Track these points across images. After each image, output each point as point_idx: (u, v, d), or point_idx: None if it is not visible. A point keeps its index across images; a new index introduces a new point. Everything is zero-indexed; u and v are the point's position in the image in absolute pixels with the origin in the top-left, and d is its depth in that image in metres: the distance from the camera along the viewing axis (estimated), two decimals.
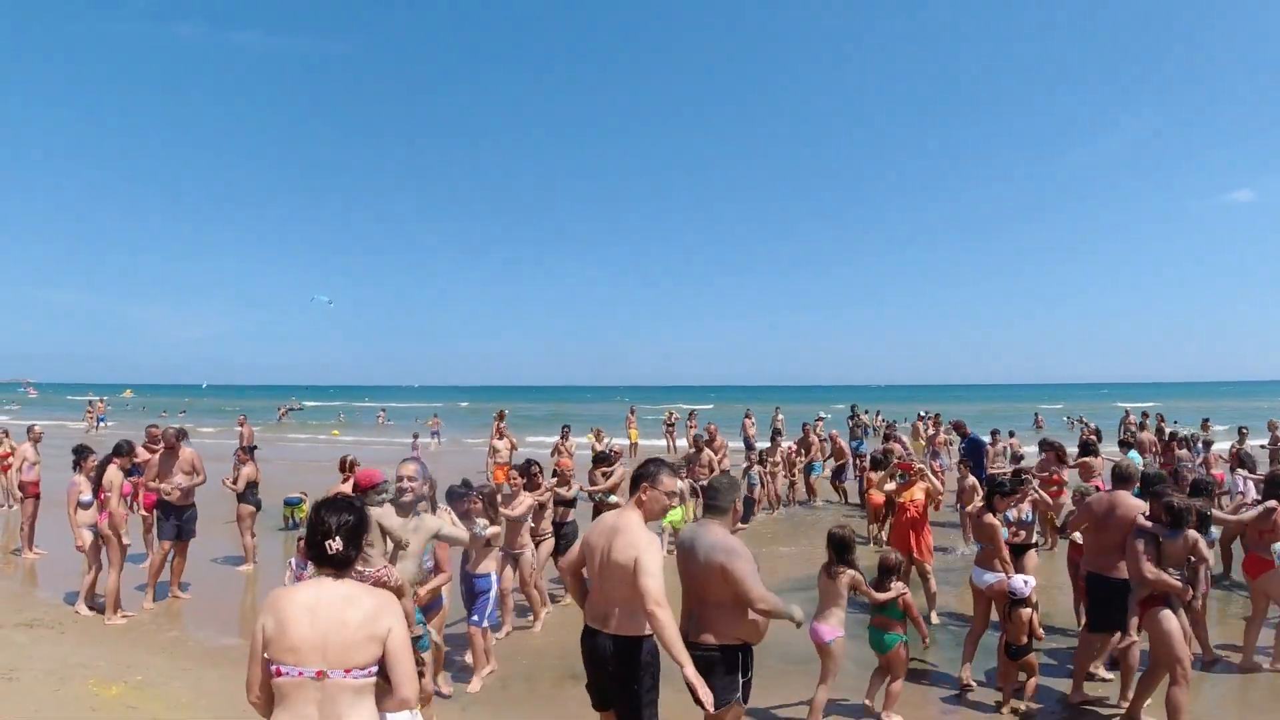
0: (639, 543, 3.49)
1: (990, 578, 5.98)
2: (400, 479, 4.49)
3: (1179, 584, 4.94)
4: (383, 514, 4.33)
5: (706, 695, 3.23)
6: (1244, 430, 14.80)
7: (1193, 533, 5.13)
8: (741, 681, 3.72)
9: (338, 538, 2.51)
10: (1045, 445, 10.54)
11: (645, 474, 3.74)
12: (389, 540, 4.32)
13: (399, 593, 3.89)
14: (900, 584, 5.49)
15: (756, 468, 13.81)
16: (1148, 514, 5.26)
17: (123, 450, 8.16)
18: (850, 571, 5.28)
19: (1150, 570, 4.92)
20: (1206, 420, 18.59)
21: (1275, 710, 5.65)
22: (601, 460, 9.87)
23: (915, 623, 5.58)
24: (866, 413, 23.91)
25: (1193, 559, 5.17)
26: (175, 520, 8.49)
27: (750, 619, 3.67)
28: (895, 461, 9.52)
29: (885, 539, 10.15)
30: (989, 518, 6.11)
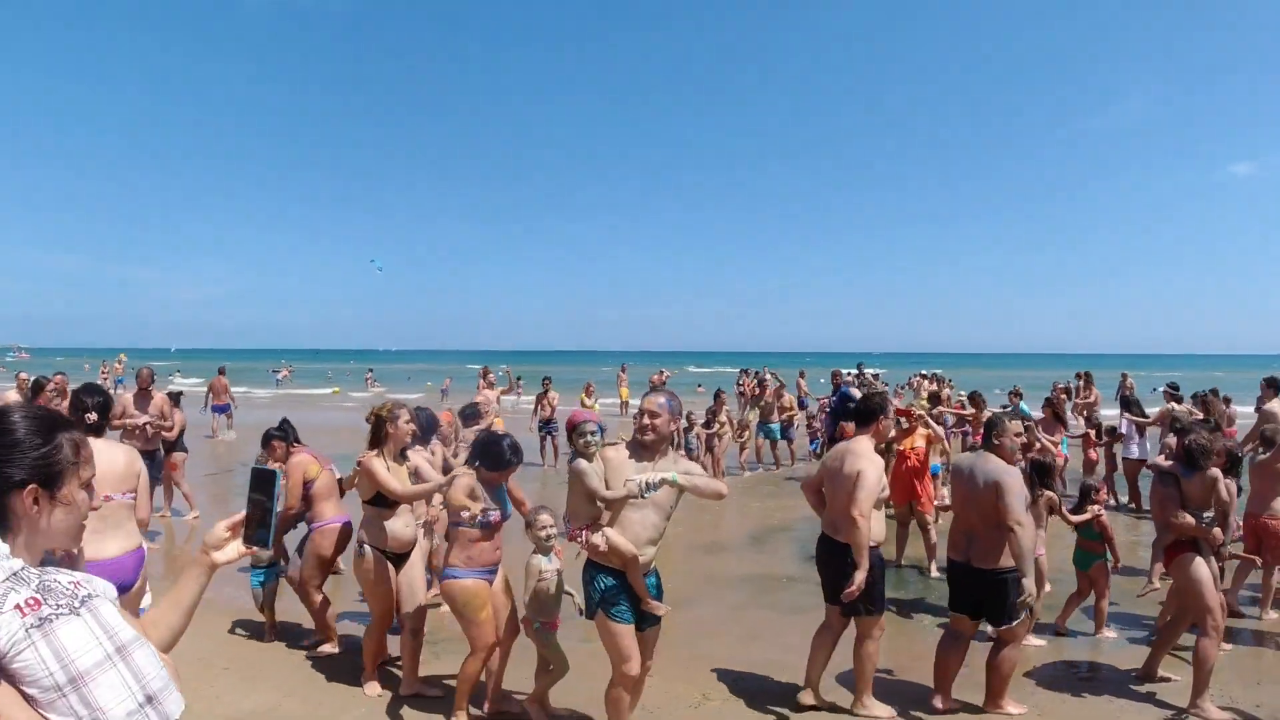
0: (861, 462, 4.19)
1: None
2: (641, 415, 3.69)
3: (1203, 526, 4.57)
4: (612, 456, 3.66)
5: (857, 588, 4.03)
6: (1126, 375, 15.11)
7: (1214, 471, 4.77)
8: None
9: (93, 412, 3.80)
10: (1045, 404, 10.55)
11: (882, 407, 4.49)
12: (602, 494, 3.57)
13: (621, 556, 3.53)
14: (1097, 506, 5.61)
15: (698, 429, 12.40)
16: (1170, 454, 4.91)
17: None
18: (1048, 493, 5.48)
19: (1174, 515, 4.57)
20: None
21: None
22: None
23: (1109, 544, 5.63)
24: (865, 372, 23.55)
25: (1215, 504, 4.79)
26: None
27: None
28: (894, 408, 9.20)
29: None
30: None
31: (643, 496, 3.45)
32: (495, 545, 4.09)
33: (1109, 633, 5.70)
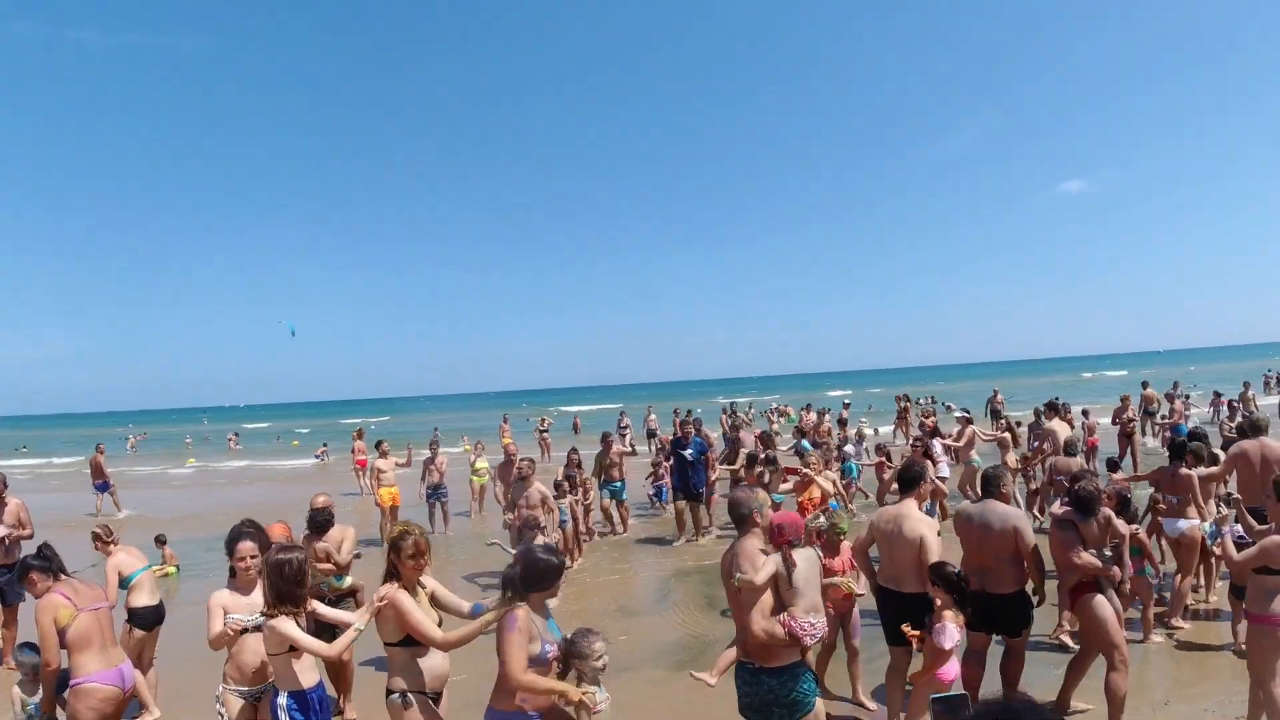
0: (920, 527, 4.85)
1: (1183, 524, 6.63)
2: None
3: (1102, 565, 4.97)
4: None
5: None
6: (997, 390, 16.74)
7: (1105, 511, 5.23)
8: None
9: None
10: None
11: (922, 474, 5.34)
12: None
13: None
14: (1125, 525, 6.08)
15: (569, 499, 10.30)
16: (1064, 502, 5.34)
17: None
18: (1105, 509, 5.69)
19: (1077, 555, 4.94)
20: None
21: (1201, 682, 5.74)
22: None
23: (1145, 552, 6.39)
24: (749, 409, 24.26)
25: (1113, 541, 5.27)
26: None
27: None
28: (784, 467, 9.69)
29: None
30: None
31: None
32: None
33: (1156, 638, 6.30)
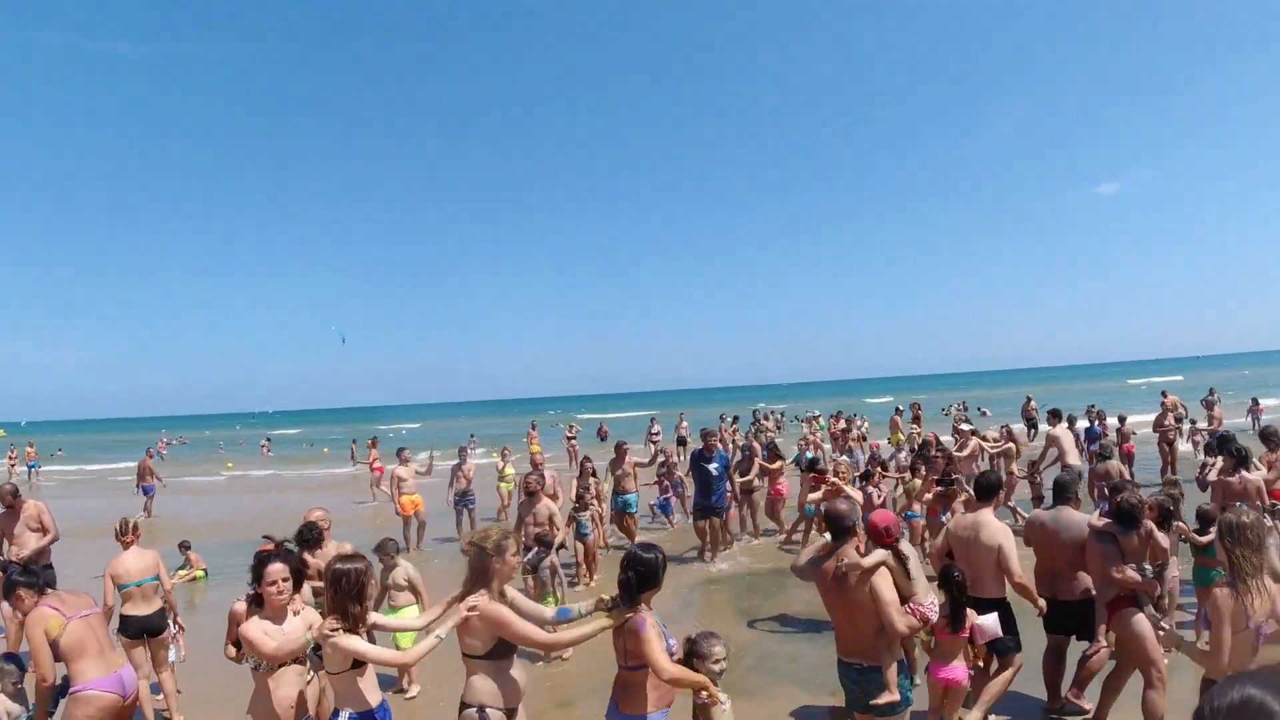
0: (999, 536, 5.00)
1: None
2: None
3: (1146, 580, 4.74)
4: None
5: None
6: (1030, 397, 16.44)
7: (1148, 524, 4.98)
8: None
9: None
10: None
11: (1000, 482, 5.63)
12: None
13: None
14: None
15: (590, 510, 10.07)
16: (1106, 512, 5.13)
17: None
18: (1178, 522, 5.87)
19: (1118, 570, 4.72)
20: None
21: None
22: None
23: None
24: (769, 416, 24.02)
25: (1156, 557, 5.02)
26: None
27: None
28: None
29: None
30: None
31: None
32: None
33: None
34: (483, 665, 3.51)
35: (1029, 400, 25.21)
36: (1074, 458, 11.56)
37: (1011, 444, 12.44)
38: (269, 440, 43.01)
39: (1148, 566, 4.90)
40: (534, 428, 25.42)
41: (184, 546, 11.71)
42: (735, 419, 23.60)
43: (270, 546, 4.00)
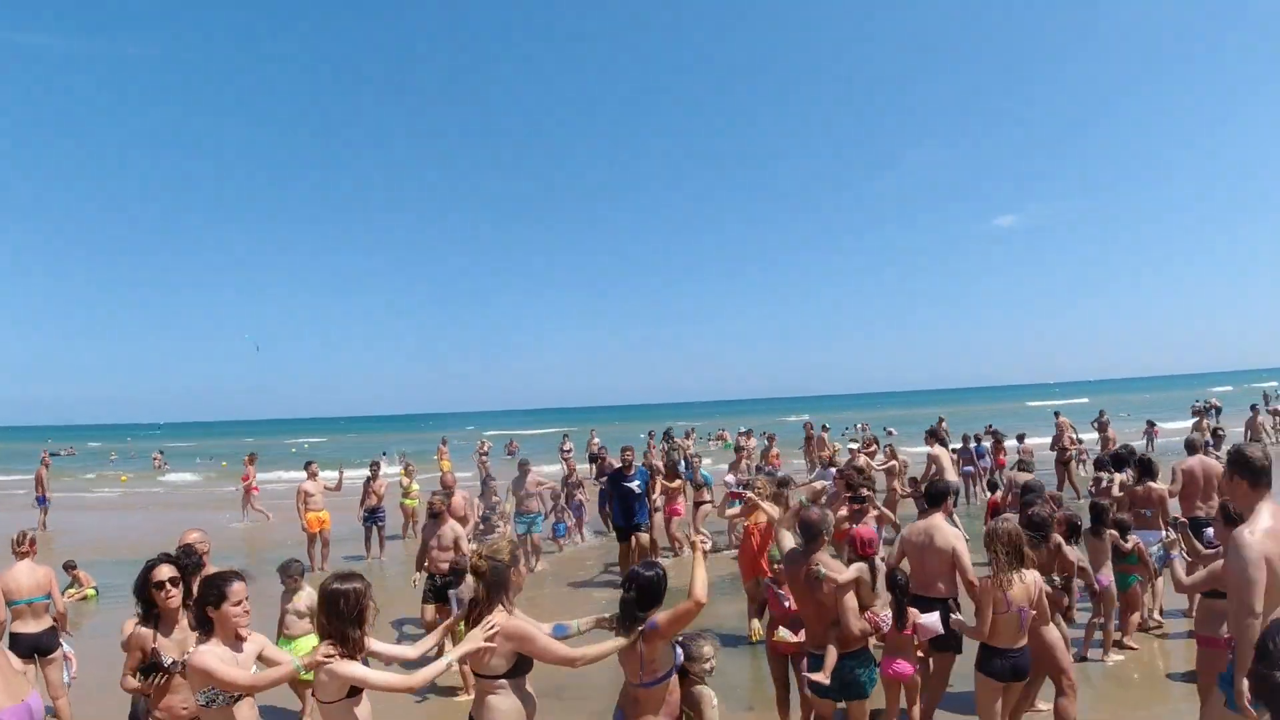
0: (953, 540, 5.23)
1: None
2: None
3: (1054, 591, 4.90)
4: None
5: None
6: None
7: (1056, 538, 5.15)
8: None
9: None
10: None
11: (948, 489, 6.01)
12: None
13: None
14: (1135, 537, 6.63)
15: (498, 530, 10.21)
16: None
17: None
18: (1056, 536, 5.92)
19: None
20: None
21: (1151, 704, 5.74)
22: None
23: (1144, 560, 6.59)
24: (689, 435, 24.09)
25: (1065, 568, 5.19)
26: None
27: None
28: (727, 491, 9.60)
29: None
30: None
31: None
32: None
33: (1116, 655, 6.52)
34: (502, 684, 3.32)
35: (941, 420, 26.13)
36: (952, 475, 12.56)
37: (894, 461, 13.14)
38: (161, 453, 40.66)
39: (1056, 578, 5.06)
40: (444, 444, 24.28)
41: (69, 566, 10.93)
42: (667, 434, 23.51)
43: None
